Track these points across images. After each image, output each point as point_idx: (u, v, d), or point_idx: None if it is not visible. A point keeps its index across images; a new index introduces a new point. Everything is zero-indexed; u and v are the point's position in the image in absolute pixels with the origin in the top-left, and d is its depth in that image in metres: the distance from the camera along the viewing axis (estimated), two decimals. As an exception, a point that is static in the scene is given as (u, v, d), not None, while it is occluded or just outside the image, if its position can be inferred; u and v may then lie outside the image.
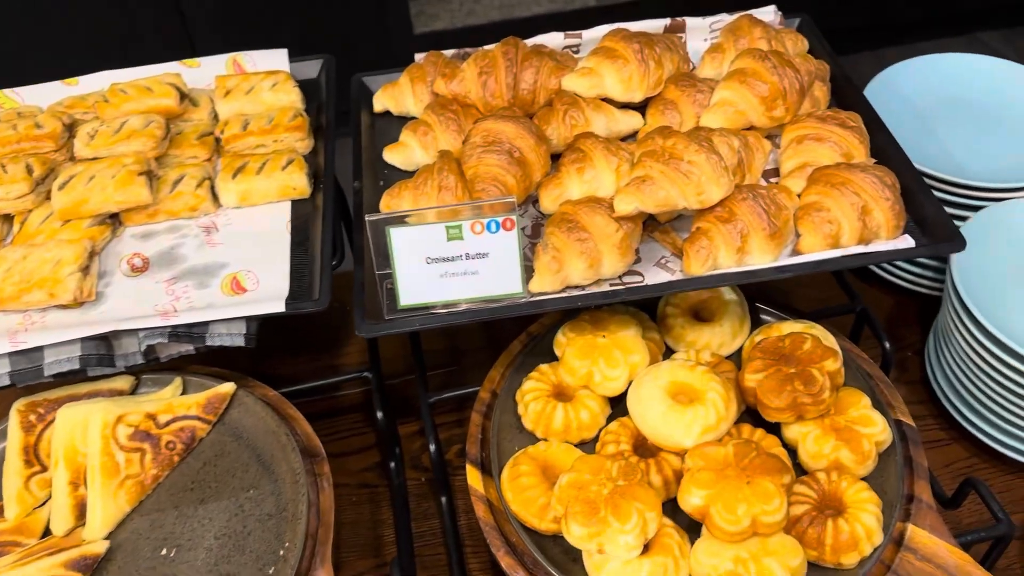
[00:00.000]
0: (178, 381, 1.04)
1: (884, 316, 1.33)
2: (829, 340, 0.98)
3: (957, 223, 0.94)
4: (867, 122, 1.04)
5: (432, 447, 1.02)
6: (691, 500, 0.84)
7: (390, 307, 0.91)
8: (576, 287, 0.92)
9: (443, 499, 1.07)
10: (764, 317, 1.07)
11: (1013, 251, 1.15)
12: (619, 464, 0.86)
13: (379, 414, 1.06)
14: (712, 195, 0.88)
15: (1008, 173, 1.20)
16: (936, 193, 1.18)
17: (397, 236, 0.86)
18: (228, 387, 1.02)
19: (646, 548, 0.84)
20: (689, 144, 0.88)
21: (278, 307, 0.92)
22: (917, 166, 1.16)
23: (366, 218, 0.85)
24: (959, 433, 1.16)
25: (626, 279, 0.93)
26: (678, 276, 0.92)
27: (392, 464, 1.12)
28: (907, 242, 0.92)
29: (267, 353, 1.28)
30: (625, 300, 0.91)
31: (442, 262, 0.88)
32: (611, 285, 0.92)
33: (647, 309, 1.07)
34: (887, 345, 1.07)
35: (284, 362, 1.28)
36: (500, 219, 0.86)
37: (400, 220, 0.85)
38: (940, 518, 0.90)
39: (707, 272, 0.90)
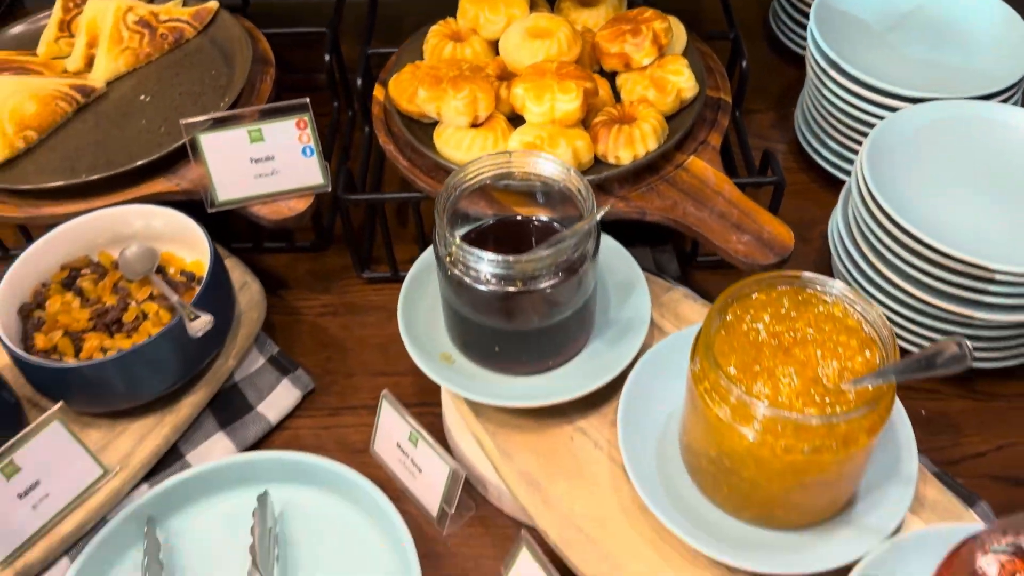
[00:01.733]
0: (180, -1, 1.35)
1: (785, 81, 1.52)
2: (673, 22, 1.20)
3: None
4: None
5: (360, 81, 1.30)
6: (516, 91, 1.09)
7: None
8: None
9: (366, 128, 1.34)
10: (644, 14, 1.29)
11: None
12: (470, 64, 1.12)
13: (327, 56, 1.34)
14: None
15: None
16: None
17: None
18: (213, 3, 1.33)
19: (480, 128, 1.10)
20: None
21: None
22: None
23: None
24: (809, 164, 1.37)
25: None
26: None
27: (336, 103, 1.40)
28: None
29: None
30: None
31: None
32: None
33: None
34: (744, 64, 1.27)
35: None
36: None
37: None
38: (720, 160, 1.12)
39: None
